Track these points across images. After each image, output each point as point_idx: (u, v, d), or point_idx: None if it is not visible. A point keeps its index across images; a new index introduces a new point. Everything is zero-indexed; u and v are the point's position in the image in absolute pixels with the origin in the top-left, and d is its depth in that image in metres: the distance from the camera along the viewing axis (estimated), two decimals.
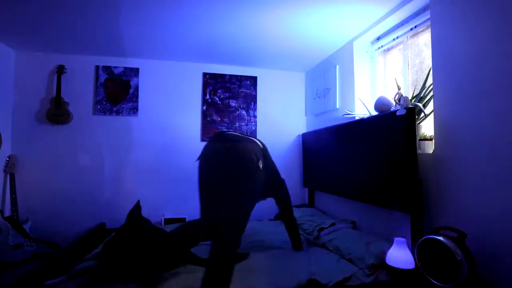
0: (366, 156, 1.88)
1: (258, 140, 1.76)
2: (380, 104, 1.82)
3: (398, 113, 1.57)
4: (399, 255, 1.46)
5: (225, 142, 1.49)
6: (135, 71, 2.87)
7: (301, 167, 3.18)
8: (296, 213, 2.58)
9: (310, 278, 1.40)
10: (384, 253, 1.52)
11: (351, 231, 2.02)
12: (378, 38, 2.27)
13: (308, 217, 2.37)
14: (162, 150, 2.90)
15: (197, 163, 1.52)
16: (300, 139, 3.24)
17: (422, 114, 1.67)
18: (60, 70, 2.65)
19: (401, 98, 1.58)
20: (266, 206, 3.12)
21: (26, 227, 2.40)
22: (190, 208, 2.89)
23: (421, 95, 1.72)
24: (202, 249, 1.47)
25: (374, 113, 1.95)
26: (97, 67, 2.80)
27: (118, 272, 1.25)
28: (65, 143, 2.69)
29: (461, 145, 1.39)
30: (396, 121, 1.59)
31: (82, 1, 1.82)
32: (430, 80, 1.64)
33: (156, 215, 2.82)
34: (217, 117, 3.06)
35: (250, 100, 3.16)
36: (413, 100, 1.71)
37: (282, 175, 3.15)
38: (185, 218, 2.79)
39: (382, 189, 1.72)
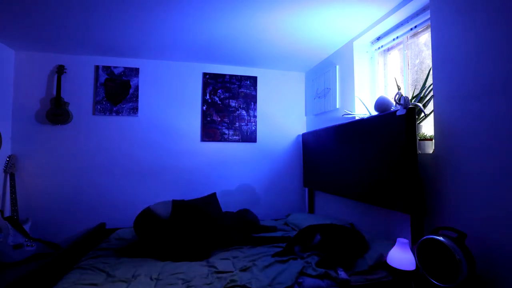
0: (366, 156, 1.89)
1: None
2: (380, 104, 1.82)
3: (398, 113, 1.57)
4: (401, 256, 1.46)
5: None
6: (135, 71, 2.87)
7: (301, 167, 3.19)
8: (295, 216, 2.59)
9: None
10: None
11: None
12: (378, 38, 2.27)
13: (306, 220, 2.37)
14: (162, 150, 2.90)
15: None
16: (300, 139, 3.25)
17: (422, 114, 1.68)
18: (60, 70, 2.65)
19: (401, 98, 1.57)
20: (268, 205, 3.13)
21: (26, 227, 2.40)
22: None
23: (421, 95, 1.72)
24: None
25: (374, 113, 1.95)
26: (97, 67, 2.80)
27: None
28: (65, 143, 2.70)
29: (461, 145, 1.39)
30: (396, 121, 1.59)
31: (82, 1, 1.82)
32: (430, 80, 1.64)
33: None
34: (217, 117, 3.06)
35: (250, 100, 3.16)
36: (413, 100, 1.71)
37: (282, 175, 3.19)
38: None
39: (382, 189, 1.72)
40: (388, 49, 2.30)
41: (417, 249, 1.36)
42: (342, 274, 1.46)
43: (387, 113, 1.69)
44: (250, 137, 3.12)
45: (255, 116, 3.16)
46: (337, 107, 2.59)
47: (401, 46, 2.11)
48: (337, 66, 2.61)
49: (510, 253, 1.16)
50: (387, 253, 1.55)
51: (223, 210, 2.86)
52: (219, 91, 3.08)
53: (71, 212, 2.67)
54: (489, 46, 1.27)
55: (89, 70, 2.79)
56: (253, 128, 3.15)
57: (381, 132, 1.73)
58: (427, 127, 1.73)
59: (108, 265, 1.64)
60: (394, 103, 1.75)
